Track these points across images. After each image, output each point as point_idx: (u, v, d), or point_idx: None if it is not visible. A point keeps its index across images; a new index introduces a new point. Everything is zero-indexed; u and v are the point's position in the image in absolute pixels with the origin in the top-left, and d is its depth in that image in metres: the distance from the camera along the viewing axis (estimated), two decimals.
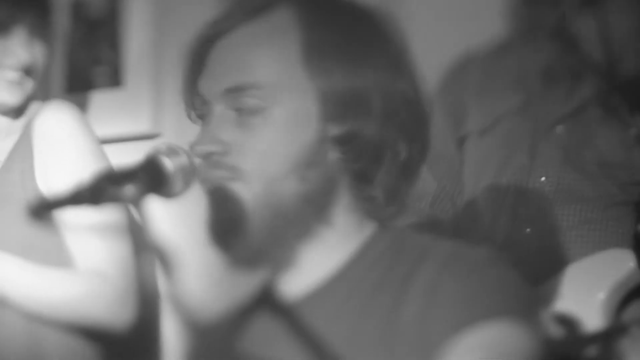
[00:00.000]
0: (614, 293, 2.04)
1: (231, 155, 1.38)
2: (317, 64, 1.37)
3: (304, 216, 1.38)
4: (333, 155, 1.38)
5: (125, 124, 2.63)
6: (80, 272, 2.17)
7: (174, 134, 2.54)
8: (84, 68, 2.70)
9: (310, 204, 1.38)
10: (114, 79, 2.67)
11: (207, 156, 1.38)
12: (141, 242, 2.28)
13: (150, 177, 1.33)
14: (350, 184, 1.40)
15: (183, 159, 1.36)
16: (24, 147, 2.24)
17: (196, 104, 1.45)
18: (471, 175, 2.30)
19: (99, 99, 2.68)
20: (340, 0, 1.45)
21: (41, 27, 2.24)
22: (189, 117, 1.46)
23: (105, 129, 2.45)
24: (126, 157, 2.23)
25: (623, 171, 2.19)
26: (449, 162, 2.33)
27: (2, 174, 2.23)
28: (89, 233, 2.19)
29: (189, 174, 1.36)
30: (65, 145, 2.22)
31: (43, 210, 1.29)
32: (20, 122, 2.30)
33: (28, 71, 2.23)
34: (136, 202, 1.31)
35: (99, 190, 1.29)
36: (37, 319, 2.14)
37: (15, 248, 2.16)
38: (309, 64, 1.38)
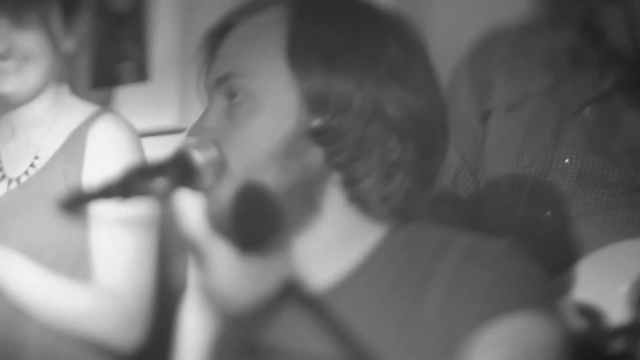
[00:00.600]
0: (637, 285, 2.02)
1: (221, 144, 1.39)
2: (298, 61, 1.39)
3: (290, 206, 1.39)
4: (316, 148, 1.39)
5: (151, 118, 2.63)
6: (95, 288, 2.17)
7: None
8: (110, 64, 2.70)
9: (294, 194, 1.38)
10: (141, 74, 2.68)
11: (197, 146, 1.39)
12: (172, 237, 2.28)
13: (180, 171, 1.34)
14: (339, 179, 1.41)
15: (213, 153, 1.37)
16: (73, 150, 2.25)
17: (206, 97, 1.48)
18: (493, 151, 2.27)
19: (126, 94, 2.68)
20: (341, 1, 1.47)
21: (25, 12, 2.24)
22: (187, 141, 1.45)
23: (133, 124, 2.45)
24: (153, 152, 2.25)
25: None
26: (472, 136, 2.31)
27: (45, 170, 2.24)
28: (114, 244, 2.20)
29: (219, 167, 1.37)
30: (116, 160, 2.22)
31: (74, 203, 1.29)
32: (51, 114, 2.30)
33: (25, 58, 2.24)
34: (166, 195, 1.31)
35: (130, 184, 1.30)
36: (49, 328, 2.15)
37: (48, 247, 2.16)
38: (292, 60, 1.40)
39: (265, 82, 1.40)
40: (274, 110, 1.39)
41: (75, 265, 2.18)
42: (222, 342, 1.53)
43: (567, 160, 2.18)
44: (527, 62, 2.26)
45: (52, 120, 2.30)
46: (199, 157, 1.36)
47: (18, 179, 2.26)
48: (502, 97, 2.27)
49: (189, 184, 1.35)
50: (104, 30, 2.71)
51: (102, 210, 2.13)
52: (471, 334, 1.28)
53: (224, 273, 1.48)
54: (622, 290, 1.99)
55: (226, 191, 1.38)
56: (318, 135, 1.39)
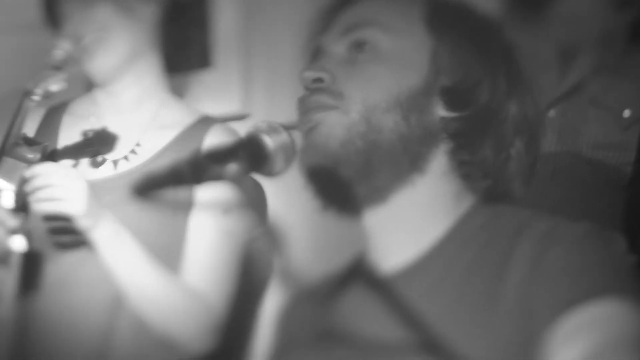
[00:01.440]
0: None
1: (336, 83, 1.41)
2: (440, 27, 1.43)
3: (399, 158, 1.39)
4: (439, 111, 1.41)
5: (215, 104, 2.63)
6: (188, 287, 2.17)
7: (264, 113, 2.53)
8: (174, 50, 2.70)
9: (406, 147, 1.39)
10: (204, 61, 2.68)
11: (313, 82, 1.42)
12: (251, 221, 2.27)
13: (251, 155, 1.33)
14: (450, 149, 1.42)
15: (284, 137, 1.36)
16: (186, 152, 2.18)
17: (312, 57, 1.49)
18: None
19: (189, 80, 2.68)
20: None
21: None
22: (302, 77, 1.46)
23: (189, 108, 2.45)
24: (217, 137, 2.25)
25: (617, 152, 2.16)
26: None
27: (150, 164, 2.21)
28: (209, 246, 2.19)
29: (290, 152, 1.36)
30: None
31: (146, 189, 1.28)
32: (149, 104, 2.29)
33: (103, 32, 2.21)
34: (238, 180, 1.30)
35: (201, 169, 1.29)
36: (138, 317, 2.15)
37: (140, 237, 2.15)
38: (433, 23, 1.43)
39: (399, 37, 1.42)
40: (403, 63, 1.41)
41: (165, 260, 2.17)
42: (292, 322, 1.53)
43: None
44: None
45: (154, 112, 2.29)
46: (269, 141, 1.35)
47: (115, 162, 2.25)
48: None
49: (260, 169, 1.34)
50: (167, 16, 2.71)
51: (202, 207, 2.15)
52: (553, 318, 1.26)
53: (299, 256, 1.48)
54: None
55: (340, 125, 1.39)
56: (445, 96, 1.41)
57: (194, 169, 1.28)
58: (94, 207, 2.08)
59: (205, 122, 2.29)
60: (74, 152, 2.24)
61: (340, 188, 1.40)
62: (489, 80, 1.43)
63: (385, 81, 1.40)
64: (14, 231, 2.04)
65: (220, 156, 1.31)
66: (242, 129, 1.49)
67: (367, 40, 1.42)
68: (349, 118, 1.39)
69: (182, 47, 2.58)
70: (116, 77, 2.27)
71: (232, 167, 1.30)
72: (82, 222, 2.08)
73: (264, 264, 2.37)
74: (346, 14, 1.47)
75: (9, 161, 2.08)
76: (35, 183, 2.06)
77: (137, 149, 2.25)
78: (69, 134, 2.29)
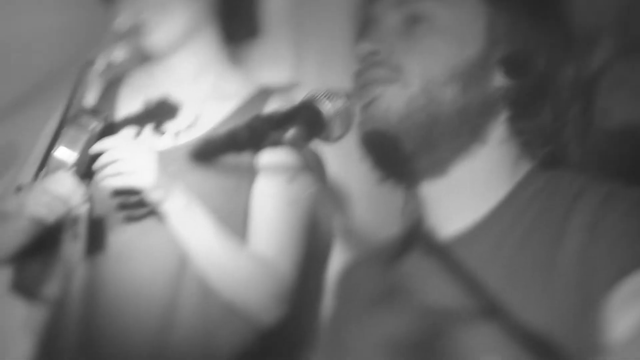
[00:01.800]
0: None
1: (394, 56, 1.41)
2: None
3: (459, 129, 1.39)
4: (497, 80, 1.41)
5: (266, 73, 2.62)
6: (258, 258, 2.17)
7: (315, 82, 2.52)
8: (225, 20, 2.69)
9: (466, 118, 1.40)
10: (254, 30, 2.66)
11: (370, 54, 1.42)
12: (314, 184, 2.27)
13: (310, 121, 1.33)
14: (509, 117, 1.42)
15: (341, 103, 1.36)
16: (243, 119, 2.21)
17: (363, 26, 1.49)
18: None
19: (240, 50, 2.67)
20: None
21: None
22: (357, 49, 1.46)
23: (247, 79, 2.45)
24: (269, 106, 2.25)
25: None
26: None
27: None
28: (275, 212, 2.20)
29: (348, 118, 1.36)
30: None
31: (206, 154, 1.28)
32: (208, 76, 2.30)
33: (162, 6, 2.22)
34: (297, 145, 1.30)
35: (260, 134, 1.29)
36: (205, 286, 2.16)
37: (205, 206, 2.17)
38: None
39: (454, 7, 1.42)
40: (460, 32, 1.41)
41: (230, 228, 2.17)
42: (353, 284, 1.54)
43: None
44: None
45: (212, 84, 2.30)
46: (328, 107, 1.35)
47: (177, 133, 2.26)
48: None
49: (318, 134, 1.34)
50: None
51: (266, 174, 2.15)
52: (612, 283, 1.25)
53: (361, 217, 1.49)
54: None
55: (400, 99, 1.39)
56: (503, 65, 1.41)
57: (252, 134, 1.29)
58: (164, 179, 2.09)
59: (263, 93, 2.31)
60: (136, 121, 2.25)
61: (400, 161, 1.41)
62: (546, 46, 1.42)
63: (443, 54, 1.40)
64: (81, 201, 2.06)
65: (278, 121, 1.31)
66: (294, 98, 1.49)
67: (424, 14, 1.42)
68: (408, 92, 1.39)
69: (234, 18, 2.58)
70: (174, 50, 2.27)
71: (291, 133, 1.30)
72: (154, 195, 2.09)
73: (327, 230, 2.37)
74: None
75: (71, 130, 2.09)
76: (105, 158, 2.08)
77: (197, 121, 2.26)
78: (128, 105, 2.30)
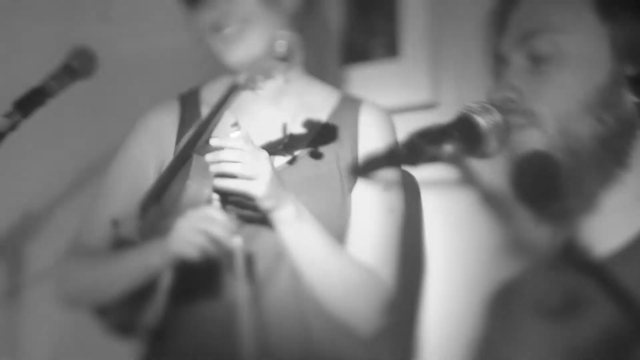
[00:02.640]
0: None
1: (526, 100, 1.40)
2: (610, 11, 1.39)
3: (602, 159, 1.37)
4: (629, 97, 1.38)
5: (403, 94, 2.62)
6: (366, 270, 2.16)
7: (453, 102, 2.51)
8: (361, 39, 2.71)
9: (607, 146, 1.37)
10: (391, 50, 2.67)
11: (503, 103, 1.40)
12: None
13: (465, 136, 1.33)
14: None
15: (497, 118, 1.36)
16: (345, 136, 2.24)
17: (496, 65, 1.49)
18: None
19: (376, 70, 2.69)
20: None
21: None
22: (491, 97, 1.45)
23: (383, 100, 2.45)
24: (405, 127, 2.24)
25: None
26: None
27: (311, 152, 2.23)
28: (375, 221, 2.19)
29: (504, 133, 1.35)
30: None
31: (366, 169, 1.30)
32: (293, 88, 2.30)
33: (245, 21, 2.21)
34: (454, 161, 1.30)
35: (417, 149, 1.29)
36: (306, 289, 2.15)
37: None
38: (603, 10, 1.39)
39: (574, 36, 1.40)
40: (585, 63, 1.39)
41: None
42: (519, 297, 1.52)
43: None
44: None
45: (299, 97, 2.31)
46: (482, 122, 1.35)
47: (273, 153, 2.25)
48: None
49: (474, 150, 1.34)
50: (353, 5, 2.72)
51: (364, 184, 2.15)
52: None
53: (526, 224, 1.48)
54: None
55: (539, 144, 1.39)
56: (634, 83, 1.38)
57: (410, 151, 1.29)
58: (277, 190, 2.09)
59: (350, 102, 2.30)
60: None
61: (551, 202, 1.39)
62: None
63: (572, 88, 1.38)
64: (234, 232, 2.05)
65: (434, 137, 1.31)
66: (429, 118, 1.49)
67: (547, 51, 1.41)
68: (545, 135, 1.38)
69: (368, 36, 2.58)
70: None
71: (447, 148, 1.30)
72: (264, 204, 2.10)
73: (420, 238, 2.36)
74: (518, 16, 1.46)
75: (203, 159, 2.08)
76: (226, 155, 2.06)
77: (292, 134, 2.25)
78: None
